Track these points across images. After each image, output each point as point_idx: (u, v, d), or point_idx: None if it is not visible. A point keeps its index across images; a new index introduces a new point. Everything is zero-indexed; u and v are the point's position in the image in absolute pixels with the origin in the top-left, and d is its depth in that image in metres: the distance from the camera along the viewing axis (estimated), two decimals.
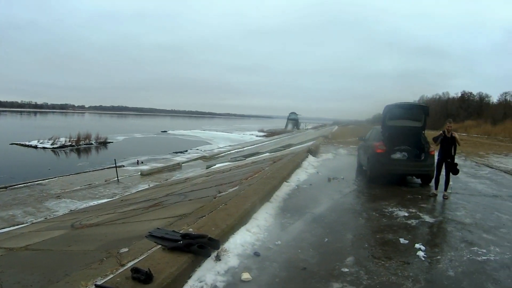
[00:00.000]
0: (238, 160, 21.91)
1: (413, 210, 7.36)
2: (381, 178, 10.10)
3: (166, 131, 75.30)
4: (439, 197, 8.74)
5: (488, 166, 16.66)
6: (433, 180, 9.31)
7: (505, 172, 14.63)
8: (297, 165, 11.82)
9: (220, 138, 60.91)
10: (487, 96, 75.38)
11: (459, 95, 79.72)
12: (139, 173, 21.76)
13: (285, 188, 8.58)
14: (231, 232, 4.98)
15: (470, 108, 70.32)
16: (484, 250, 5.14)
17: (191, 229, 4.62)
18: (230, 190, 8.03)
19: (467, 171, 13.96)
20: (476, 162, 17.77)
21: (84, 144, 44.26)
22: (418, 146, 10.42)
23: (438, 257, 4.87)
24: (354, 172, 12.35)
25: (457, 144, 8.63)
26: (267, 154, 23.05)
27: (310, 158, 14.33)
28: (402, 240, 5.47)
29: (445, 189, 8.88)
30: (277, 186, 8.32)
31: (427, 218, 6.84)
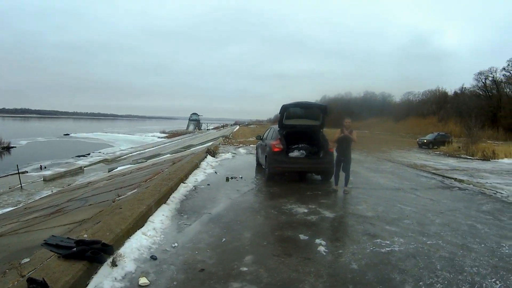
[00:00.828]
0: (139, 162, 22.98)
1: (313, 206, 7.76)
2: (279, 176, 10.79)
3: (68, 134, 79.08)
4: (340, 193, 9.36)
5: (390, 160, 18.42)
6: (333, 176, 10.05)
7: (407, 166, 16.31)
8: (195, 166, 12.31)
9: (122, 140, 64.38)
10: (389, 95, 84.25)
11: (362, 94, 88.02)
12: (42, 179, 22.51)
13: (183, 189, 8.77)
14: (126, 237, 5.12)
15: (373, 106, 77.54)
16: (388, 242, 5.57)
17: (85, 235, 4.71)
18: (129, 193, 8.16)
19: (369, 166, 15.26)
20: (378, 158, 19.54)
21: None
22: (316, 144, 11.17)
23: (340, 251, 5.16)
24: (253, 171, 12.93)
25: (352, 141, 9.46)
26: (168, 155, 24.31)
27: (209, 158, 15.07)
28: (302, 236, 5.71)
29: (346, 184, 9.56)
30: (174, 188, 8.55)
31: (327, 214, 7.25)
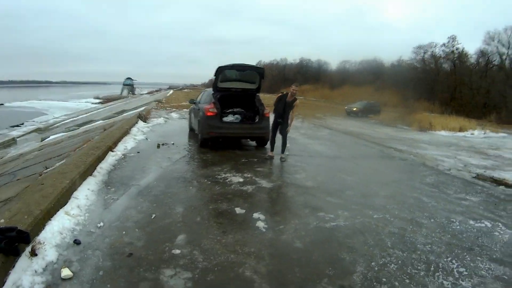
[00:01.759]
0: (72, 130, 22.31)
1: (248, 175, 7.41)
2: (213, 142, 10.34)
3: (2, 104, 74.09)
4: (276, 160, 9.11)
5: (326, 127, 18.48)
6: (268, 143, 9.82)
7: (344, 133, 16.40)
8: (125, 132, 11.70)
9: (56, 108, 61.47)
10: (325, 63, 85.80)
11: (297, 61, 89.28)
12: None
13: (111, 159, 8.16)
14: (47, 218, 4.58)
15: (308, 73, 78.78)
16: (332, 216, 5.29)
17: (2, 220, 4.16)
18: (57, 164, 7.50)
19: (305, 133, 15.16)
20: (314, 124, 19.56)
21: None
22: (252, 109, 10.92)
23: (281, 226, 4.83)
24: (186, 136, 12.49)
25: (292, 108, 9.18)
26: (101, 121, 23.90)
27: (140, 123, 14.46)
28: (238, 210, 5.33)
29: (282, 152, 9.29)
30: (102, 157, 7.96)
31: (264, 183, 6.91)
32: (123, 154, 8.82)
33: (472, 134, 23.16)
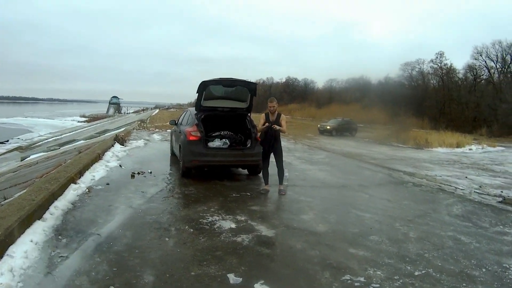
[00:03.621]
0: (52, 150, 21.23)
1: (243, 218, 5.82)
2: (197, 171, 8.92)
3: None
4: (274, 193, 7.60)
5: (321, 149, 17.14)
6: (261, 174, 8.30)
7: (342, 155, 15.06)
8: (97, 158, 10.03)
9: (42, 125, 62.04)
10: (312, 82, 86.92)
11: (284, 80, 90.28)
12: None
13: (71, 193, 6.50)
14: None
15: (295, 92, 79.57)
16: (362, 279, 3.79)
17: None
18: (16, 195, 5.99)
19: (301, 156, 13.74)
20: (307, 145, 18.19)
21: None
22: (243, 132, 9.59)
23: None
24: (167, 162, 11.01)
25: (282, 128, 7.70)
26: (82, 141, 23.14)
27: (117, 147, 12.87)
28: (232, 278, 3.75)
29: (280, 182, 7.81)
30: (58, 193, 6.22)
31: (264, 230, 5.32)
32: (87, 188, 7.19)
33: (470, 149, 22.96)
